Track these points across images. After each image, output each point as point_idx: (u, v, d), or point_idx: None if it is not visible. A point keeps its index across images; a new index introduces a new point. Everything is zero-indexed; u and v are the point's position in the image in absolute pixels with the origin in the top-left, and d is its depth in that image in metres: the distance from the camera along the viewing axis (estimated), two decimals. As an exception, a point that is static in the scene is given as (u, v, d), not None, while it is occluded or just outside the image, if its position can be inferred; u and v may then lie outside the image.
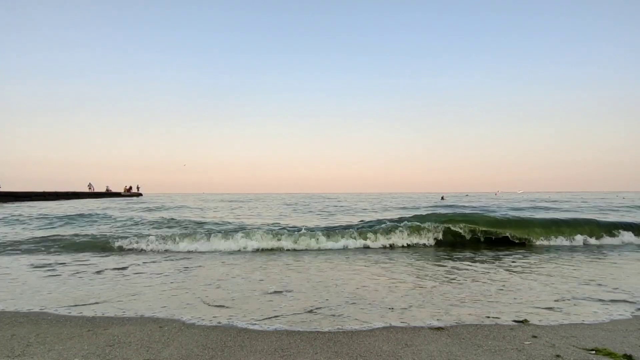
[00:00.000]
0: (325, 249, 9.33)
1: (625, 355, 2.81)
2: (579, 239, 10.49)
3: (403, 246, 9.88)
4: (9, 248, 9.30)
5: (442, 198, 52.23)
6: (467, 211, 17.37)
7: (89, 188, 52.51)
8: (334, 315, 3.98)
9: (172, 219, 16.63)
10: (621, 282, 5.54)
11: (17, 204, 32.23)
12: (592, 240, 10.49)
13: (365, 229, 10.78)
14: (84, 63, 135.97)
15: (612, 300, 4.57)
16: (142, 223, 15.27)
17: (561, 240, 10.43)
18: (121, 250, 9.16)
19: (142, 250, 9.08)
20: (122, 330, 3.49)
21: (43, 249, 9.18)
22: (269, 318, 3.90)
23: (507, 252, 8.83)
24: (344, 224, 13.18)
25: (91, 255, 8.33)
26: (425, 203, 35.64)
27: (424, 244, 10.13)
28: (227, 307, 4.30)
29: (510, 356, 2.83)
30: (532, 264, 7.25)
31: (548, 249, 9.60)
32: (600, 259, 7.93)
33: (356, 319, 3.84)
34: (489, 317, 3.90)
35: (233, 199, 53.94)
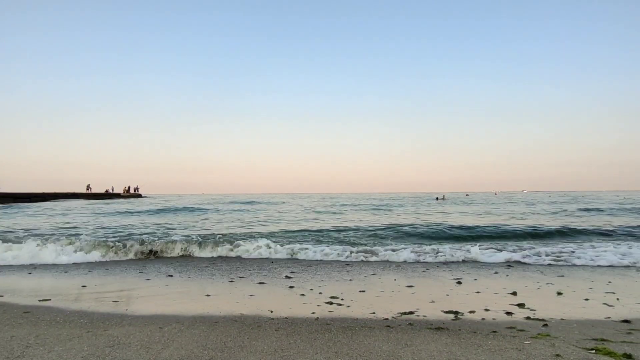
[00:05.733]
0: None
1: (625, 355, 2.81)
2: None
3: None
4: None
5: (437, 199, 50.71)
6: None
7: (88, 189, 52.41)
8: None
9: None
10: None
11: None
12: None
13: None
14: (84, 64, 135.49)
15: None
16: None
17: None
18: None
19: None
20: (122, 331, 3.49)
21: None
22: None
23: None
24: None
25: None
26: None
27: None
28: None
29: (510, 356, 2.83)
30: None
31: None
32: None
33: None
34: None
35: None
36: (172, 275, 6.82)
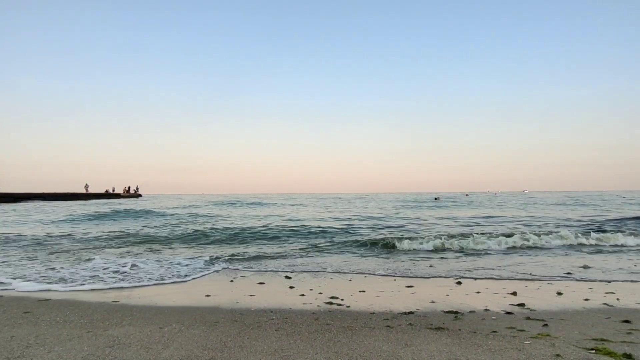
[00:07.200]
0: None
1: (625, 355, 2.81)
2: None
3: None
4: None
5: (436, 199, 51.83)
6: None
7: (86, 189, 52.33)
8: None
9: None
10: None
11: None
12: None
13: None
14: (84, 64, 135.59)
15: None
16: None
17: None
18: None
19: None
20: (122, 331, 3.49)
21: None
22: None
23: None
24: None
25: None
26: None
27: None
28: None
29: (510, 356, 2.82)
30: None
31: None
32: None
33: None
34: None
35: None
36: (172, 276, 6.82)
